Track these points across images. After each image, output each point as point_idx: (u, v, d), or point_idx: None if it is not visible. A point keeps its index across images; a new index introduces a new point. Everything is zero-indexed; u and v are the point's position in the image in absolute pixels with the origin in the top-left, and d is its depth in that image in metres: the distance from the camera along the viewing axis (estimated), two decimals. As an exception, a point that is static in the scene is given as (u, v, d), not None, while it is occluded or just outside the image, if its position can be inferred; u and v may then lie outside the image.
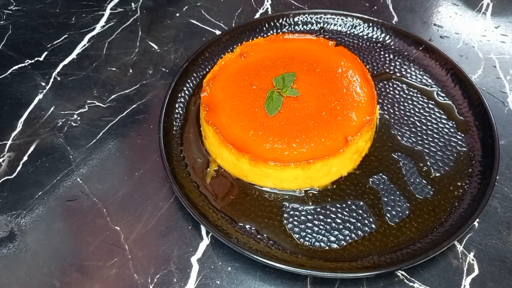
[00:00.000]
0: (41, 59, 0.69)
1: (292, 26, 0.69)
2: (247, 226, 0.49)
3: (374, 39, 0.67)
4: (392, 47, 0.66)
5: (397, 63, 0.64)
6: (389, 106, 0.59)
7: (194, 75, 0.63)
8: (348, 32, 0.69)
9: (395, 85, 0.62)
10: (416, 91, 0.61)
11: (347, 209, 0.50)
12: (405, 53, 0.65)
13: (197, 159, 0.55)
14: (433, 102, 0.59)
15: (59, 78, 0.66)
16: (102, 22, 0.75)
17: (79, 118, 0.61)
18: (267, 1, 0.78)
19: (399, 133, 0.56)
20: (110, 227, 0.50)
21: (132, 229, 0.50)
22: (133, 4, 0.78)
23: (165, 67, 0.67)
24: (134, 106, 0.62)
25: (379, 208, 0.50)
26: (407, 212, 0.49)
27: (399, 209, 0.50)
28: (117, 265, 0.47)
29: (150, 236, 0.49)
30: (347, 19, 0.69)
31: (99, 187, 0.53)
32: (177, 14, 0.76)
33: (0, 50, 0.70)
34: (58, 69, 0.67)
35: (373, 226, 0.48)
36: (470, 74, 0.63)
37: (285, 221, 0.49)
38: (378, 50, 0.66)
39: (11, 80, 0.66)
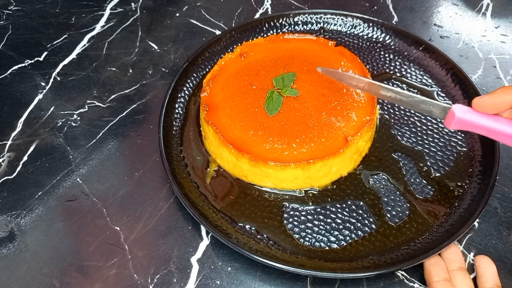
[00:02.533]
0: (41, 59, 0.69)
1: (292, 26, 0.69)
2: (247, 226, 0.49)
3: (374, 39, 0.67)
4: (392, 47, 0.66)
5: (397, 63, 0.64)
6: (389, 106, 0.59)
7: (194, 75, 0.63)
8: (348, 32, 0.69)
9: (395, 85, 0.62)
10: (416, 91, 0.61)
11: (347, 209, 0.50)
12: (405, 53, 0.65)
13: (197, 159, 0.55)
14: (433, 102, 0.59)
15: (59, 78, 0.66)
16: (102, 22, 0.75)
17: (79, 118, 0.61)
18: (267, 1, 0.78)
19: (399, 133, 0.56)
20: (110, 227, 0.50)
21: (132, 229, 0.50)
22: (133, 4, 0.78)
23: (165, 67, 0.67)
24: (134, 106, 0.62)
25: (379, 208, 0.50)
26: (407, 212, 0.49)
27: (399, 209, 0.50)
28: (117, 265, 0.47)
29: (150, 236, 0.49)
30: (347, 19, 0.69)
31: (99, 187, 0.53)
32: (177, 14, 0.76)
33: (0, 50, 0.70)
34: (58, 69, 0.67)
35: (373, 226, 0.48)
36: (470, 74, 0.63)
37: (285, 221, 0.49)
38: (378, 50, 0.66)
39: (11, 80, 0.66)
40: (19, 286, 0.46)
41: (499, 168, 0.50)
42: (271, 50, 0.60)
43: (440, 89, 0.61)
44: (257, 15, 0.76)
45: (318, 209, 0.50)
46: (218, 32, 0.72)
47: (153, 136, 0.58)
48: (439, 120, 0.57)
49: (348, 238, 0.48)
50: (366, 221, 0.49)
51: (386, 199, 0.50)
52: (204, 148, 0.56)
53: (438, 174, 0.52)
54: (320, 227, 0.48)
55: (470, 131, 0.44)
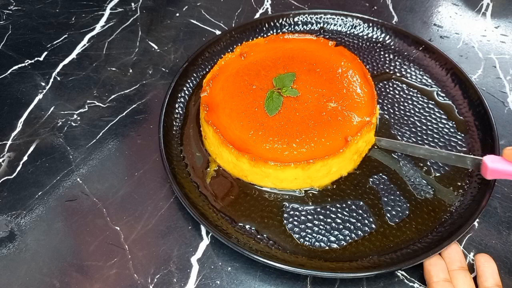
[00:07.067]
0: (41, 59, 0.69)
1: (292, 26, 0.69)
2: (247, 226, 0.49)
3: (374, 39, 0.67)
4: (392, 47, 0.66)
5: (397, 63, 0.64)
6: (389, 106, 0.59)
7: (194, 75, 0.63)
8: (348, 32, 0.69)
9: (395, 85, 0.62)
10: (416, 91, 0.61)
11: (347, 209, 0.50)
12: (405, 53, 0.65)
13: (197, 159, 0.55)
14: (433, 102, 0.59)
15: (59, 78, 0.66)
16: (102, 22, 0.75)
17: (79, 118, 0.61)
18: (267, 1, 0.78)
19: (399, 133, 0.56)
20: (110, 227, 0.50)
21: (132, 229, 0.50)
22: (133, 4, 0.78)
23: (165, 67, 0.67)
24: (134, 106, 0.62)
25: (379, 208, 0.50)
26: (407, 212, 0.49)
27: (399, 209, 0.50)
28: (117, 265, 0.47)
29: (150, 236, 0.49)
30: (347, 19, 0.69)
31: (99, 187, 0.53)
32: (177, 14, 0.76)
33: (0, 50, 0.70)
34: (58, 69, 0.67)
35: (373, 226, 0.48)
36: (470, 74, 0.63)
37: (285, 221, 0.49)
38: (378, 50, 0.66)
39: (11, 80, 0.66)
40: (19, 286, 0.46)
41: (499, 168, 0.50)
42: (271, 50, 0.60)
43: (440, 89, 0.61)
44: (257, 15, 0.76)
45: (318, 209, 0.50)
46: (218, 32, 0.72)
47: (153, 136, 0.58)
48: (439, 120, 0.57)
49: (348, 238, 0.48)
50: (366, 221, 0.49)
51: (386, 199, 0.50)
52: (204, 148, 0.56)
53: (438, 174, 0.52)
54: (320, 227, 0.48)
55: (509, 179, 0.45)
